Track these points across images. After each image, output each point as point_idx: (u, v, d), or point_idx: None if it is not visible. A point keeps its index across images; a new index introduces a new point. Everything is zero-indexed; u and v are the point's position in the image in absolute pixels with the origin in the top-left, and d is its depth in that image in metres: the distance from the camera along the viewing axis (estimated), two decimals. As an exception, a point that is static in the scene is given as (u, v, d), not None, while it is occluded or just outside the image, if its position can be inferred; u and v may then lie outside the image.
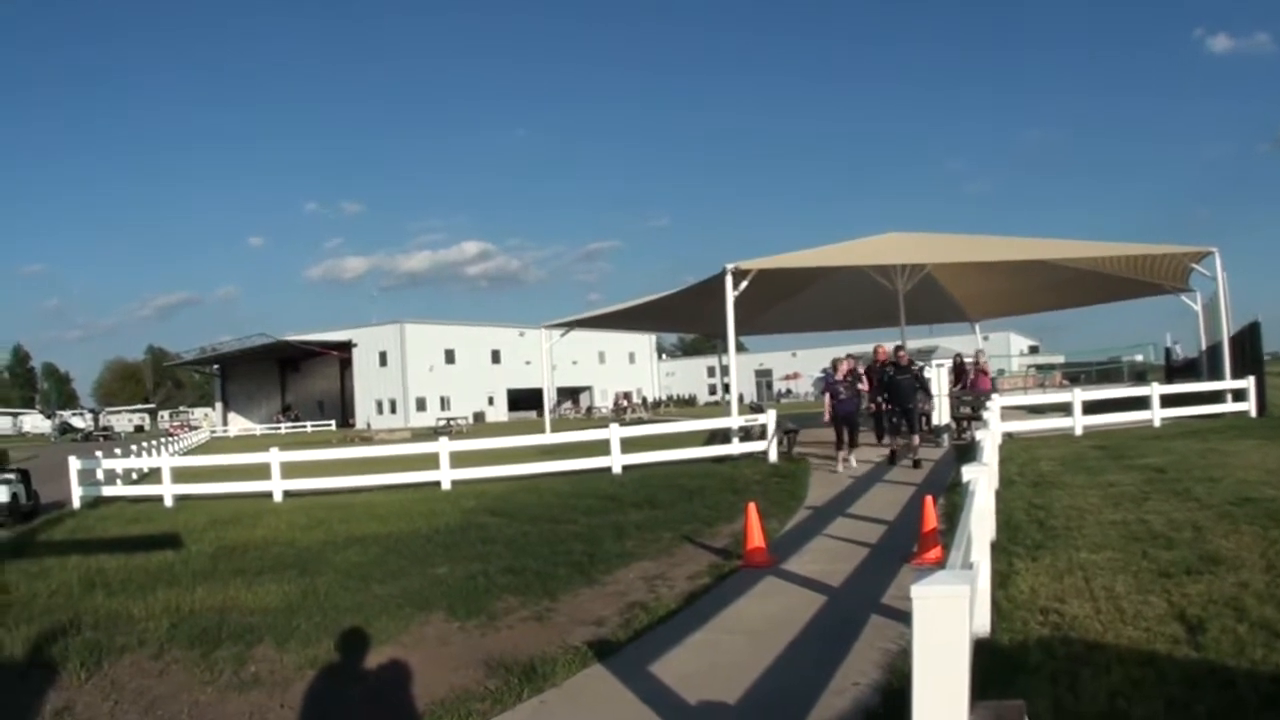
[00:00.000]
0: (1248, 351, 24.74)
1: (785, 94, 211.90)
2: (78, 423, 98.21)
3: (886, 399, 19.72)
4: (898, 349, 20.35)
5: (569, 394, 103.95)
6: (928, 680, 3.45)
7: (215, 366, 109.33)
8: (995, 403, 18.88)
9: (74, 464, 21.88)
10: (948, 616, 3.48)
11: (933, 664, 3.45)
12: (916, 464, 18.08)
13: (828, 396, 19.66)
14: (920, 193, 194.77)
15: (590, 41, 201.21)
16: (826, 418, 19.46)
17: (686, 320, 39.40)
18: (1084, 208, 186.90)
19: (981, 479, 7.51)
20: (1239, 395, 23.68)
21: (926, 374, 21.26)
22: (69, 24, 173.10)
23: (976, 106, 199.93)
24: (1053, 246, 27.55)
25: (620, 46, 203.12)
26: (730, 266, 23.06)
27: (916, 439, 18.93)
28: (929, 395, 21.30)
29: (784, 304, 34.12)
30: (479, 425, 79.47)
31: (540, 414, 57.52)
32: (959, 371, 26.52)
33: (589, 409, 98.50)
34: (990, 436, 11.98)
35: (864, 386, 20.00)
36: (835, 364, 19.95)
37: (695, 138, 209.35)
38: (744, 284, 23.11)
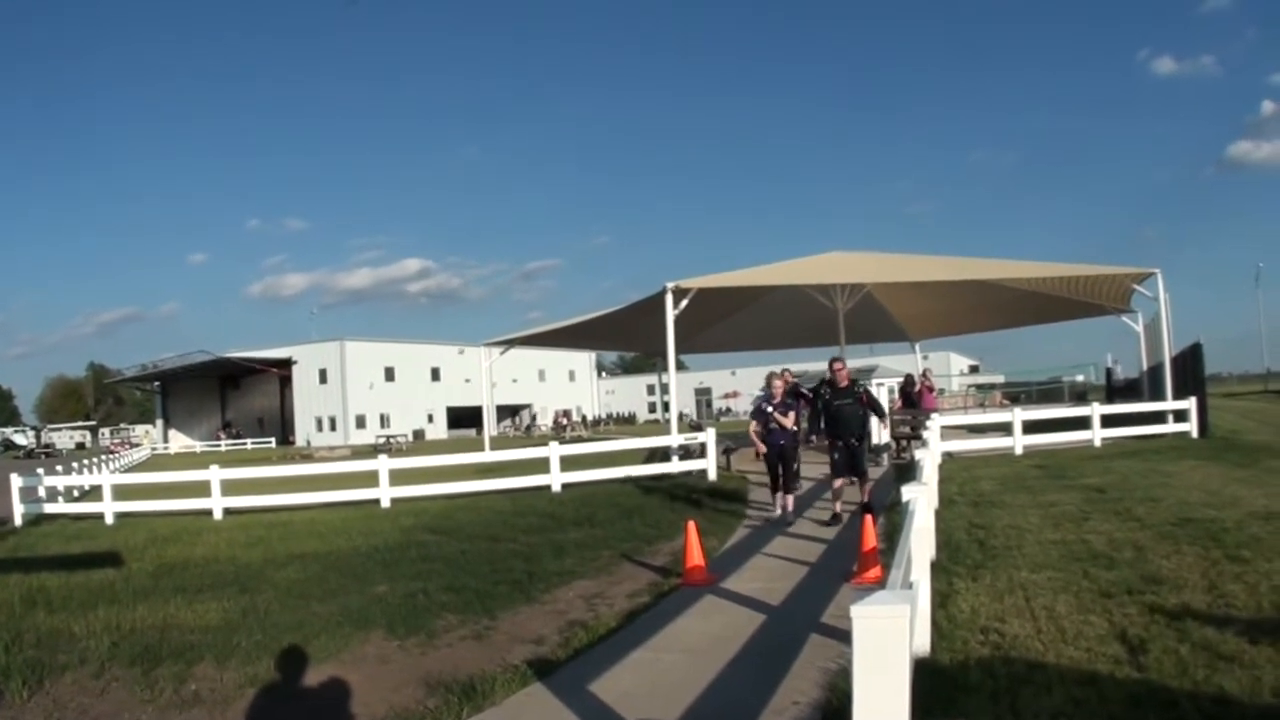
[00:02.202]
0: (1189, 372, 25.01)
1: (728, 114, 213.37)
2: (20, 440, 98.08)
3: (826, 431, 15.04)
4: (834, 363, 15.49)
5: (509, 412, 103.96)
6: (868, 699, 3.40)
7: (156, 384, 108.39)
8: (935, 422, 18.90)
9: (16, 481, 21.84)
10: (888, 636, 3.44)
11: (873, 683, 3.41)
12: (867, 508, 13.51)
13: (753, 425, 15.62)
14: (865, 213, 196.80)
15: (534, 61, 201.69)
16: (758, 454, 15.60)
17: (627, 338, 39.34)
18: (1030, 229, 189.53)
19: (921, 498, 7.49)
20: (1180, 416, 23.89)
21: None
22: (6, 37, 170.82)
23: (923, 128, 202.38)
24: (994, 267, 27.74)
25: (563, 66, 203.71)
26: (670, 285, 23.04)
27: (869, 486, 15.02)
28: (883, 417, 17.92)
29: (724, 323, 34.18)
30: (419, 443, 79.33)
31: (480, 432, 57.15)
32: (909, 389, 26.66)
33: (529, 427, 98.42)
34: (930, 456, 11.99)
35: (787, 422, 14.98)
36: (769, 381, 15.74)
37: (637, 157, 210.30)
38: (684, 302, 23.10)
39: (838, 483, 14.62)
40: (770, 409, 15.09)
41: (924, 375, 27.24)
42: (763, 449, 15.24)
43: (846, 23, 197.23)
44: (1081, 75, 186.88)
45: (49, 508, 22.51)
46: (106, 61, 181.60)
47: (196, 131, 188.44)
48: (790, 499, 14.91)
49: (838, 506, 14.34)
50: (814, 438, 15.72)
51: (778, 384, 15.39)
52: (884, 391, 23.90)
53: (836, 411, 14.75)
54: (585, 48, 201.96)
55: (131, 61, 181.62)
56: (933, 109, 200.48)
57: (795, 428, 15.21)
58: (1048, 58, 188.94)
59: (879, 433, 22.90)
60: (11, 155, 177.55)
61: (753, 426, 15.56)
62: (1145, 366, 28.95)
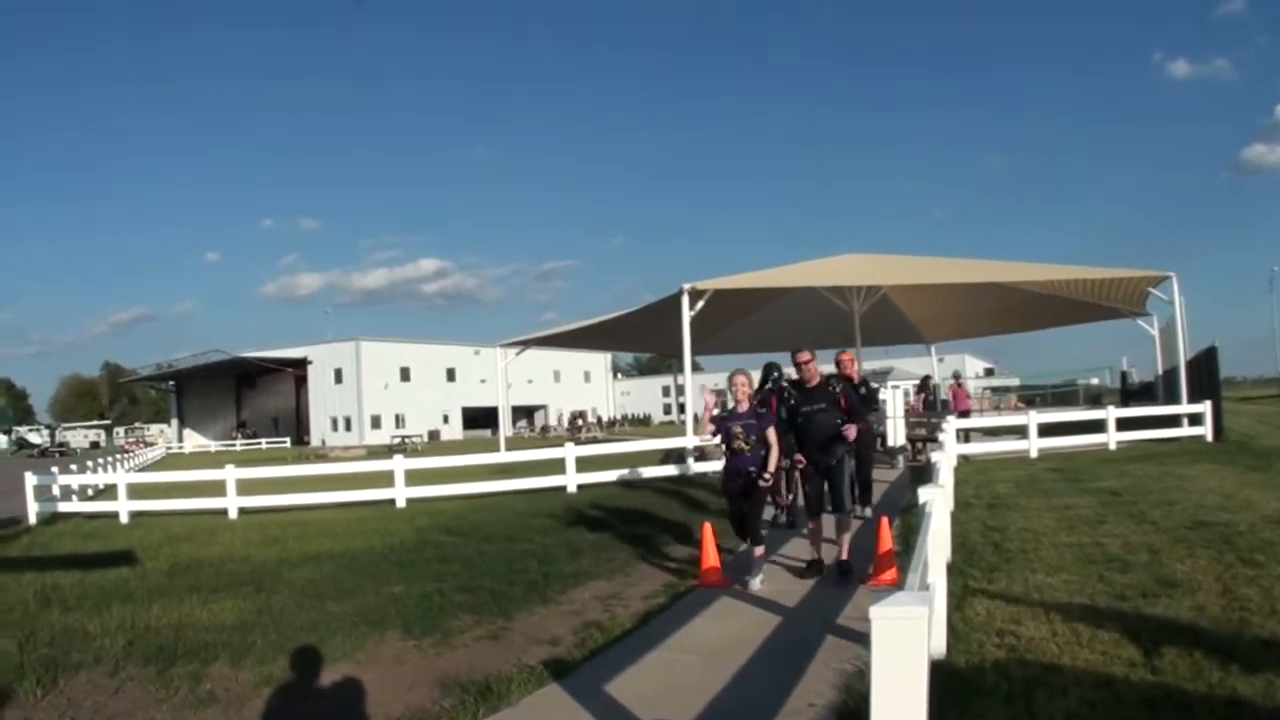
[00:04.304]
0: (1204, 376, 24.97)
1: (746, 115, 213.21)
2: (34, 439, 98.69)
3: (795, 448, 10.78)
4: (799, 355, 10.98)
5: (524, 413, 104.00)
6: (886, 701, 3.42)
7: (171, 383, 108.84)
8: (950, 425, 18.89)
9: (30, 480, 21.87)
10: (906, 637, 3.46)
11: (891, 685, 3.42)
12: (844, 570, 10.15)
13: (722, 448, 10.82)
14: (883, 215, 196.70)
15: (547, 62, 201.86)
16: (724, 486, 11.06)
17: (642, 340, 39.38)
18: (1046, 232, 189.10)
19: (938, 501, 7.48)
20: (1195, 419, 23.84)
21: (881, 394, 20.76)
22: (21, 33, 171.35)
23: (941, 131, 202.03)
24: (1010, 269, 27.70)
25: (578, 67, 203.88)
26: (687, 286, 23.07)
27: (849, 535, 10.60)
28: (861, 420, 11.88)
29: (740, 324, 34.16)
30: (434, 443, 79.49)
31: (495, 432, 57.26)
32: (925, 391, 26.72)
33: (544, 428, 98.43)
34: (946, 458, 11.98)
35: (773, 450, 10.28)
36: (732, 381, 10.59)
37: (652, 158, 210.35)
38: (700, 304, 23.12)
39: (813, 523, 10.88)
40: (737, 425, 10.39)
41: (956, 377, 27.51)
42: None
43: (867, 26, 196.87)
44: (1096, 79, 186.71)
45: (63, 506, 22.61)
46: (120, 60, 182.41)
47: (211, 130, 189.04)
48: (757, 551, 10.47)
49: (817, 551, 10.71)
50: (797, 461, 10.94)
51: (740, 380, 10.59)
52: (899, 394, 23.73)
53: (804, 421, 10.67)
54: (602, 48, 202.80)
55: (145, 60, 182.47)
56: (949, 112, 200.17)
57: (765, 450, 10.29)
58: (1063, 62, 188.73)
59: (895, 434, 22.83)
60: (26, 154, 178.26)
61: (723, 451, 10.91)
62: (1160, 370, 28.96)
